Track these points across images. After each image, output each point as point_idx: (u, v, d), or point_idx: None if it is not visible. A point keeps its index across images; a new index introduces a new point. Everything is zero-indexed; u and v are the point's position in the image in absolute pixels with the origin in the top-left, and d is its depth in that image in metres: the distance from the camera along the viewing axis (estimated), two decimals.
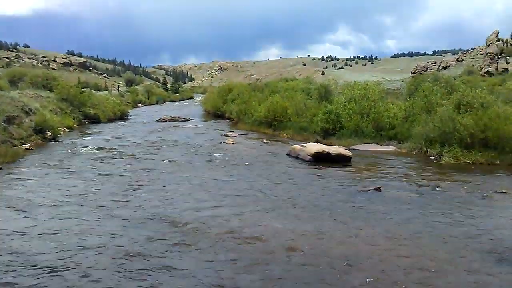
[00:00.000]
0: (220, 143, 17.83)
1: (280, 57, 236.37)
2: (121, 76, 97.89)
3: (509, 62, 58.86)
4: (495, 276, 5.27)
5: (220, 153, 15.07)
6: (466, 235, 6.73)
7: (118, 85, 59.81)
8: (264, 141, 18.65)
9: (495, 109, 14.62)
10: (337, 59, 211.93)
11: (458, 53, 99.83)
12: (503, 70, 57.69)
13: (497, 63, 59.83)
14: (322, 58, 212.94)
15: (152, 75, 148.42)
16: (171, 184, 10.10)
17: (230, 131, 21.98)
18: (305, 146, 14.13)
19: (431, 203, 8.73)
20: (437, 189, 9.94)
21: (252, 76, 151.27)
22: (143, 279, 5.11)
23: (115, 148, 15.66)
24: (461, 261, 5.76)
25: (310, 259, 5.76)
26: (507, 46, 61.78)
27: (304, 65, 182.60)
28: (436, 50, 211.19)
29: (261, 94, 28.64)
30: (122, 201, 8.54)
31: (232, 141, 18.20)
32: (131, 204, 8.37)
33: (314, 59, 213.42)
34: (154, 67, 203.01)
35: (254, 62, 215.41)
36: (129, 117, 31.34)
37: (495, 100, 16.53)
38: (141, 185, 9.97)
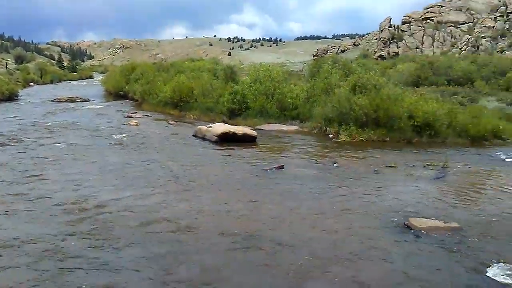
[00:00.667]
0: (123, 124, 17.12)
1: (186, 37, 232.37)
2: (9, 53, 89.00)
3: (399, 47, 63.94)
4: (385, 241, 5.77)
5: (124, 135, 14.48)
6: (361, 207, 7.26)
7: (6, 63, 54.34)
8: (170, 122, 18.29)
9: (386, 90, 15.83)
10: (244, 40, 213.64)
11: (355, 38, 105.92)
12: (394, 54, 62.59)
13: (389, 47, 64.71)
14: (229, 39, 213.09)
15: (46, 52, 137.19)
16: (73, 171, 9.41)
17: (133, 112, 21.19)
18: (211, 127, 14.13)
19: (330, 178, 9.28)
20: (335, 165, 10.58)
21: (157, 56, 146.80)
22: (58, 280, 4.65)
23: (3, 134, 14.18)
24: (358, 230, 6.21)
25: (214, 237, 5.82)
26: (397, 32, 66.91)
27: (211, 45, 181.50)
28: (336, 34, 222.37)
29: (167, 74, 27.91)
30: (21, 194, 7.67)
31: (136, 122, 17.58)
32: (31, 195, 7.50)
33: (221, 39, 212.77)
34: (48, 43, 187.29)
35: (159, 41, 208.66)
36: (19, 97, 28.65)
37: (387, 82, 17.88)
38: (40, 174, 9.05)
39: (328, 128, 15.65)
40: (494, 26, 57.85)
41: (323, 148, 13.14)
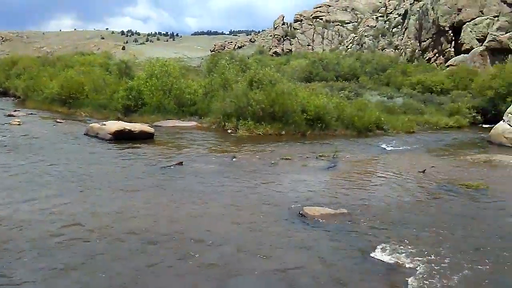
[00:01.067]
0: (4, 124, 15.56)
1: (75, 29, 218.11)
2: None
3: (293, 44, 66.75)
4: (282, 230, 6.00)
5: (5, 136, 13.15)
6: (259, 199, 7.46)
7: None
8: (58, 120, 17.03)
9: (281, 86, 16.44)
10: (138, 34, 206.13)
11: (251, 34, 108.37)
12: (288, 50, 65.19)
13: (283, 44, 67.23)
14: (122, 33, 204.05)
15: None
16: None
17: (16, 110, 19.39)
18: (105, 125, 13.45)
19: (229, 172, 9.39)
20: (234, 159, 10.75)
21: (42, 49, 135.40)
22: None
23: None
24: (257, 221, 6.36)
25: (111, 239, 5.56)
26: (290, 29, 69.76)
27: (103, 38, 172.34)
28: (233, 30, 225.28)
29: (53, 69, 25.95)
30: None
31: (18, 121, 16.07)
32: None
33: (113, 33, 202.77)
34: None
35: (43, 33, 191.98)
36: None
37: (281, 78, 18.58)
38: None
39: (226, 123, 15.83)
40: (375, 26, 63.10)
41: (222, 143, 13.26)
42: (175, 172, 9.29)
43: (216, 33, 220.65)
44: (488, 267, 4.98)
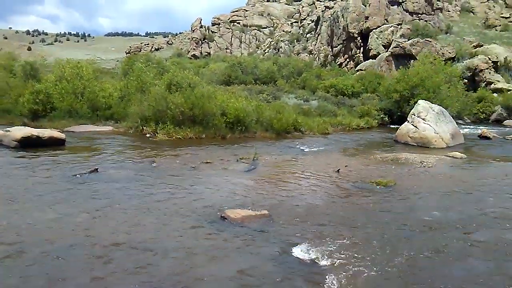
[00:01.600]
0: None
1: None
2: None
3: (211, 47, 66.73)
4: (204, 234, 5.96)
5: None
6: (180, 203, 7.33)
7: None
8: None
9: (200, 89, 16.36)
10: (46, 34, 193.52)
11: (168, 36, 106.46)
12: (207, 53, 65.04)
13: (201, 47, 66.96)
14: (28, 32, 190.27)
15: None
16: None
17: None
18: (9, 131, 12.42)
19: (149, 178, 9.13)
20: (153, 164, 10.47)
21: None
22: None
23: None
24: (179, 226, 6.24)
25: (17, 253, 5.14)
26: (208, 32, 69.71)
27: (6, 38, 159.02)
28: (149, 32, 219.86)
29: None
30: None
31: None
32: None
33: (17, 32, 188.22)
34: None
35: None
36: None
37: (201, 81, 18.49)
38: None
39: (145, 128, 15.41)
40: (291, 31, 65.23)
41: (140, 148, 12.85)
42: (90, 179, 8.83)
43: (131, 34, 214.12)
44: (400, 258, 5.36)
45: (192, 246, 5.58)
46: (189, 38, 74.68)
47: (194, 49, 66.80)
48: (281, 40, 60.97)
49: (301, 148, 14.10)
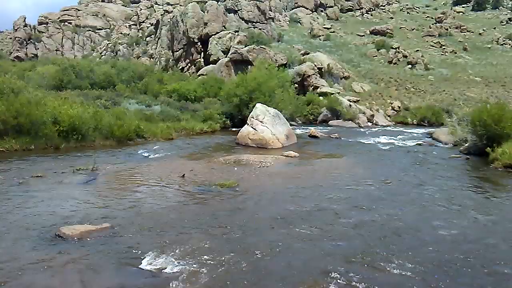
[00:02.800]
0: None
1: None
2: None
3: (38, 48, 60.51)
4: (39, 256, 5.30)
5: None
6: (7, 225, 6.42)
7: None
8: None
9: (26, 95, 14.62)
10: None
11: None
12: (33, 55, 58.77)
13: (26, 48, 60.23)
14: None
15: None
16: None
17: None
18: None
19: None
20: None
21: None
22: None
23: None
24: (5, 251, 5.43)
25: None
26: (35, 32, 63.06)
27: None
28: None
29: None
30: None
31: None
32: None
33: None
34: None
35: None
36: None
37: (26, 86, 16.56)
38: None
39: None
40: (129, 34, 63.03)
41: None
42: None
43: None
44: (246, 255, 5.55)
45: (24, 270, 4.92)
46: (11, 38, 66.38)
47: (17, 50, 59.55)
48: (119, 43, 58.47)
49: (145, 155, 13.69)
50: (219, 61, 37.42)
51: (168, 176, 10.36)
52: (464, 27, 61.16)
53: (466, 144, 15.57)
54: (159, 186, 9.38)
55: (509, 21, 64.58)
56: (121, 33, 63.12)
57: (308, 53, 38.59)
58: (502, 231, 6.89)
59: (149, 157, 13.35)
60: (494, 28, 61.80)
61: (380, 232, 6.65)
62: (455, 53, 50.85)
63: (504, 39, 55.23)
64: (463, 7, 77.31)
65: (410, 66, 43.50)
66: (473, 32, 60.31)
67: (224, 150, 15.22)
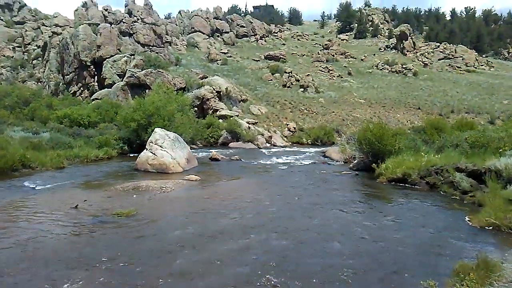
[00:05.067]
0: None
1: None
2: None
3: None
4: None
5: None
6: None
7: None
8: None
9: None
10: None
11: None
12: None
13: None
14: None
15: None
16: None
17: None
18: None
19: None
20: None
21: None
22: None
23: None
24: None
25: None
26: None
27: None
28: None
29: None
30: None
31: None
32: None
33: None
34: None
35: None
36: None
37: None
38: None
39: None
40: (13, 56, 58.26)
41: None
42: None
43: None
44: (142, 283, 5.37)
45: None
46: None
47: None
48: (2, 66, 53.75)
49: (32, 186, 12.60)
50: (115, 85, 36.19)
51: (59, 208, 9.66)
52: (348, 53, 66.92)
53: (355, 161, 16.86)
54: (48, 220, 8.70)
55: (386, 48, 72.13)
56: (4, 56, 58.10)
57: (207, 77, 39.06)
58: (386, 236, 7.56)
59: (37, 188, 12.32)
60: (374, 55, 68.55)
61: (270, 251, 6.89)
62: (341, 77, 55.28)
63: (382, 64, 61.43)
64: (346, 35, 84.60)
65: (302, 89, 46.17)
66: (356, 58, 66.21)
67: (122, 177, 14.62)
